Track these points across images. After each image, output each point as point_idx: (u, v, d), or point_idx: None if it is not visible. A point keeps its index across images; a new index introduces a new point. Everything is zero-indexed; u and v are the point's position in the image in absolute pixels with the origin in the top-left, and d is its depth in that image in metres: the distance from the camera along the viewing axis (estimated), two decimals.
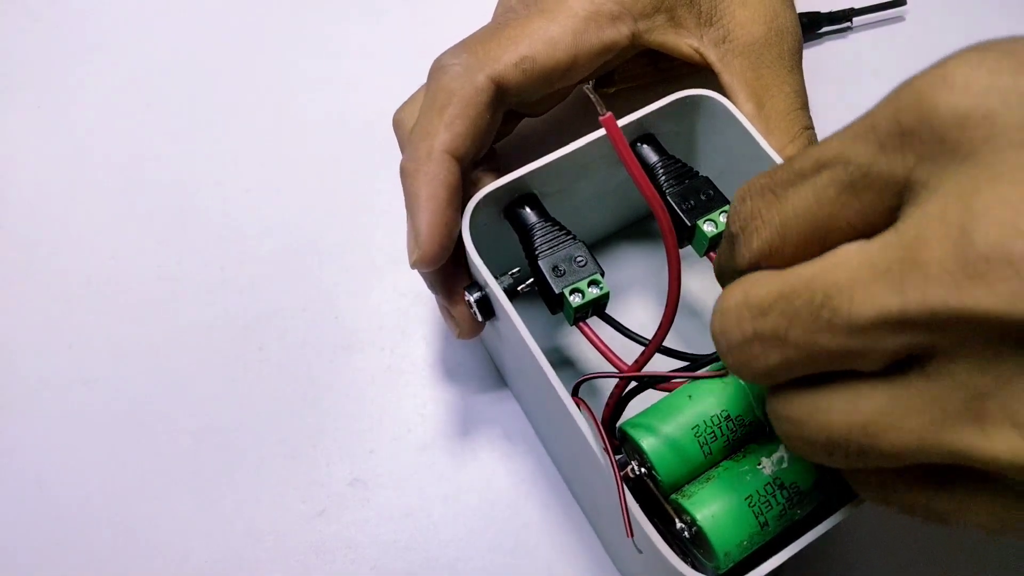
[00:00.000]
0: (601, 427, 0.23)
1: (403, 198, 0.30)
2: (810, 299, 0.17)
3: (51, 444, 0.34)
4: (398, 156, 0.32)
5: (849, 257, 0.16)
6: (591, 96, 0.22)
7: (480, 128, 0.28)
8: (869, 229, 0.17)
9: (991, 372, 0.15)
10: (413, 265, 0.28)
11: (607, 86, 0.38)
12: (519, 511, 0.32)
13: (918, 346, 0.16)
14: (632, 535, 0.23)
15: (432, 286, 0.30)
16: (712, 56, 0.31)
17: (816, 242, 0.18)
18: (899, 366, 0.16)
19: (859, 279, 0.16)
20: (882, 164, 0.16)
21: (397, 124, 0.32)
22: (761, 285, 0.18)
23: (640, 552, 0.24)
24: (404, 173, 0.28)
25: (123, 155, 0.41)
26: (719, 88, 0.31)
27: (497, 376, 0.35)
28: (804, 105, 0.31)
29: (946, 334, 0.15)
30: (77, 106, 0.42)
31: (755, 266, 0.19)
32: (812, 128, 0.31)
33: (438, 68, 0.29)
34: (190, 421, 0.34)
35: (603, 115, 0.21)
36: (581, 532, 0.32)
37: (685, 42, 0.31)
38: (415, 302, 0.36)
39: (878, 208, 0.17)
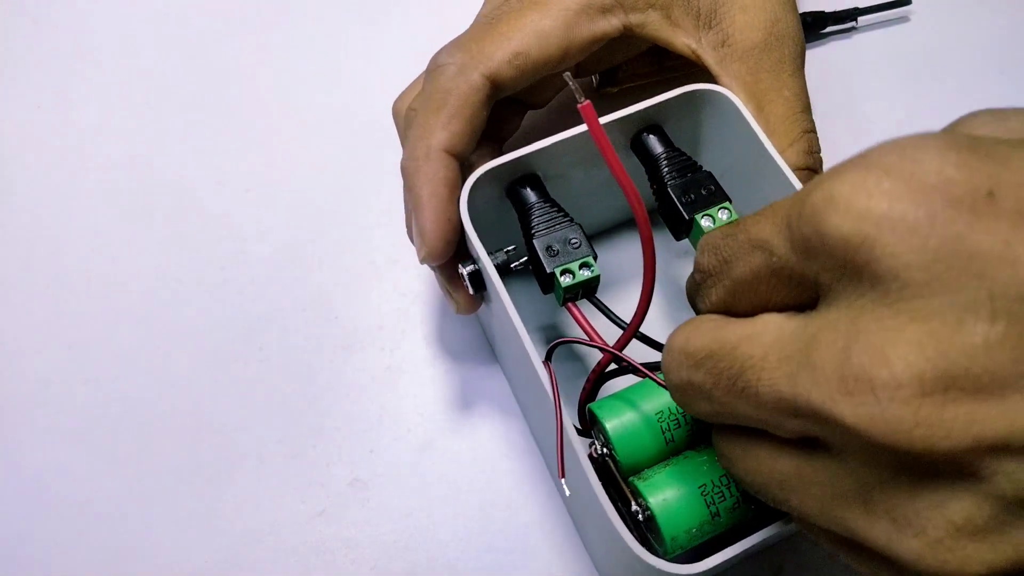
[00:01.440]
0: (554, 377, 0.24)
1: (402, 195, 0.30)
2: (730, 366, 0.18)
3: (51, 444, 0.34)
4: (399, 156, 0.32)
5: (767, 332, 0.18)
6: (570, 84, 0.22)
7: (476, 124, 0.29)
8: (800, 303, 0.18)
9: (875, 468, 0.16)
10: (422, 261, 0.29)
11: (611, 85, 0.38)
12: (519, 511, 0.32)
13: (815, 433, 0.17)
14: (563, 475, 0.24)
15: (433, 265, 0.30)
16: (710, 59, 0.31)
17: (761, 305, 0.19)
18: (812, 440, 0.18)
19: (767, 359, 0.17)
20: (796, 263, 0.18)
21: (395, 114, 0.32)
22: (700, 334, 0.20)
23: (568, 494, 0.25)
24: (405, 172, 0.29)
25: (123, 155, 0.41)
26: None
27: (498, 376, 0.35)
28: (805, 108, 0.31)
29: (831, 432, 0.16)
30: (77, 106, 0.42)
31: (715, 312, 0.21)
32: (813, 131, 0.31)
33: (434, 68, 0.29)
34: (190, 421, 0.34)
35: (581, 103, 0.22)
36: (578, 535, 0.32)
37: (682, 41, 0.31)
38: (415, 302, 0.36)
39: (802, 293, 0.18)
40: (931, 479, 0.15)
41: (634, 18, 0.31)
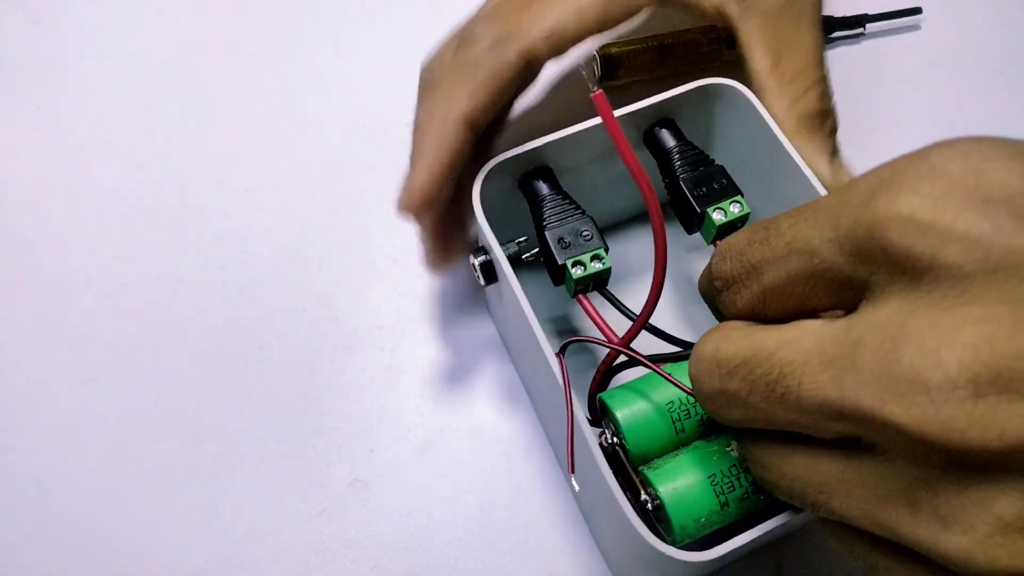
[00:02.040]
0: (566, 373, 0.24)
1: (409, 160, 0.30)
2: (768, 372, 0.18)
3: (51, 444, 0.34)
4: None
5: (806, 336, 0.18)
6: (584, 73, 0.22)
7: (503, 100, 0.29)
8: (839, 305, 0.18)
9: (923, 467, 0.16)
10: (399, 209, 0.28)
11: (613, 79, 0.38)
12: (519, 511, 0.32)
13: (860, 435, 0.17)
14: (573, 471, 0.24)
15: (426, 233, 0.31)
16: (733, 12, 0.31)
17: (794, 309, 0.19)
18: (852, 440, 0.18)
19: (808, 364, 0.17)
20: (844, 266, 0.18)
21: (423, 75, 0.31)
22: (731, 342, 0.20)
23: (577, 489, 0.25)
24: (417, 128, 0.29)
25: (123, 155, 0.41)
26: (737, 73, 0.31)
27: (498, 376, 0.35)
28: (820, 60, 0.31)
29: (879, 432, 0.17)
30: (77, 106, 0.42)
31: (741, 318, 0.21)
32: (825, 79, 0.31)
33: (469, 36, 0.29)
34: (190, 421, 0.34)
35: (594, 92, 0.22)
36: (581, 532, 0.32)
37: (708, 1, 0.31)
38: (415, 302, 0.36)
39: (843, 295, 0.18)
40: (979, 477, 0.16)
41: None
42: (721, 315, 0.23)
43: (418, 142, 0.28)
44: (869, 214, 0.17)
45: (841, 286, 0.18)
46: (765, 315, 0.20)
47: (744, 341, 0.19)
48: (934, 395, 0.15)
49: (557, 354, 0.25)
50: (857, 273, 0.17)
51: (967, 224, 0.16)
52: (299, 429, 0.34)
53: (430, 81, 0.31)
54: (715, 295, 0.22)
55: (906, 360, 0.16)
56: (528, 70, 0.29)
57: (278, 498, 0.32)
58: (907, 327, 0.16)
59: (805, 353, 0.18)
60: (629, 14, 0.30)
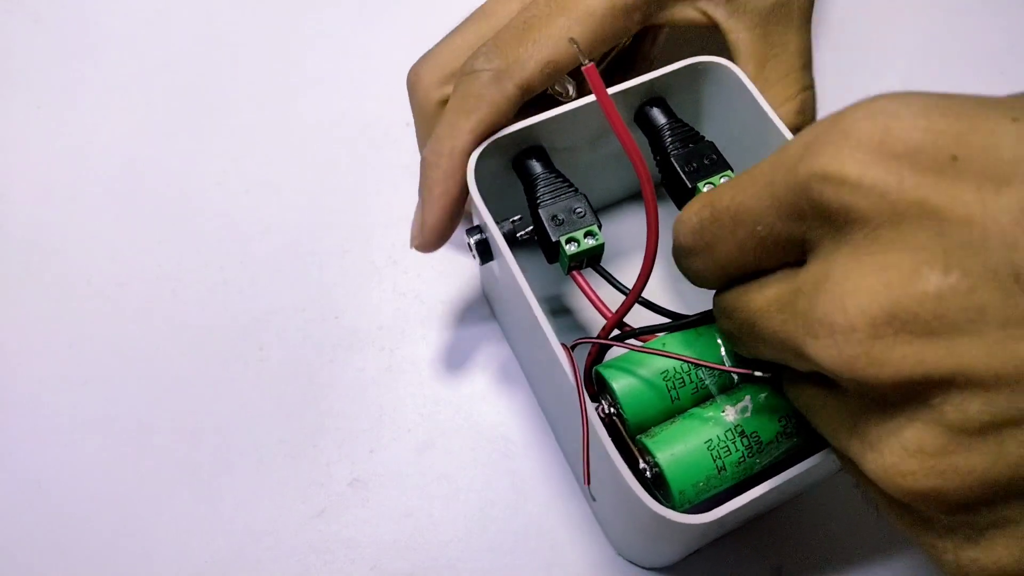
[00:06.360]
0: (576, 366, 0.25)
1: (418, 182, 0.31)
2: (748, 318, 0.21)
3: (51, 444, 0.34)
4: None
5: (769, 287, 0.20)
6: (575, 46, 0.23)
7: (501, 127, 0.30)
8: (790, 264, 0.20)
9: (859, 399, 0.19)
10: (414, 247, 0.30)
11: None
12: (519, 511, 0.32)
13: (813, 369, 0.20)
14: (589, 483, 0.25)
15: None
16: (720, 15, 0.31)
17: (752, 270, 0.21)
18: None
19: (768, 310, 0.20)
20: (783, 228, 0.19)
21: (412, 86, 0.33)
22: (727, 294, 0.22)
23: (594, 500, 0.25)
24: (425, 165, 0.30)
25: (123, 155, 0.41)
26: (724, 51, 0.31)
27: (498, 376, 0.35)
28: (806, 65, 0.32)
29: (816, 368, 0.19)
30: (77, 106, 0.42)
31: (706, 281, 0.23)
32: (811, 88, 0.32)
33: (470, 72, 0.30)
34: (190, 421, 0.34)
35: (586, 65, 0.22)
36: (581, 532, 0.32)
37: (693, 7, 0.32)
38: (415, 302, 0.36)
39: (790, 254, 0.20)
40: (892, 409, 0.18)
41: (654, 8, 0.31)
42: (691, 276, 0.25)
43: (427, 178, 0.29)
44: (797, 175, 0.18)
45: (785, 247, 0.20)
46: (728, 280, 0.22)
47: (733, 294, 0.22)
48: (837, 337, 0.17)
49: (562, 344, 0.25)
50: (795, 232, 0.19)
51: (874, 178, 0.17)
52: (299, 429, 0.34)
53: (426, 111, 0.32)
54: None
55: (820, 307, 0.18)
56: (525, 99, 0.30)
57: (278, 498, 0.32)
58: (828, 276, 0.18)
59: (767, 300, 0.20)
60: (616, 40, 0.31)
